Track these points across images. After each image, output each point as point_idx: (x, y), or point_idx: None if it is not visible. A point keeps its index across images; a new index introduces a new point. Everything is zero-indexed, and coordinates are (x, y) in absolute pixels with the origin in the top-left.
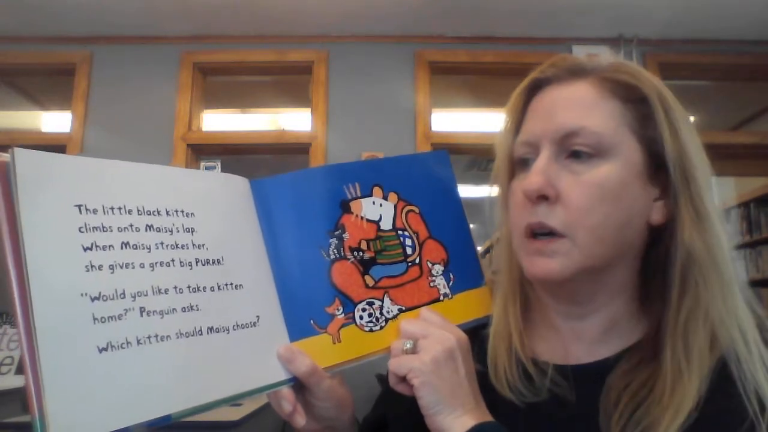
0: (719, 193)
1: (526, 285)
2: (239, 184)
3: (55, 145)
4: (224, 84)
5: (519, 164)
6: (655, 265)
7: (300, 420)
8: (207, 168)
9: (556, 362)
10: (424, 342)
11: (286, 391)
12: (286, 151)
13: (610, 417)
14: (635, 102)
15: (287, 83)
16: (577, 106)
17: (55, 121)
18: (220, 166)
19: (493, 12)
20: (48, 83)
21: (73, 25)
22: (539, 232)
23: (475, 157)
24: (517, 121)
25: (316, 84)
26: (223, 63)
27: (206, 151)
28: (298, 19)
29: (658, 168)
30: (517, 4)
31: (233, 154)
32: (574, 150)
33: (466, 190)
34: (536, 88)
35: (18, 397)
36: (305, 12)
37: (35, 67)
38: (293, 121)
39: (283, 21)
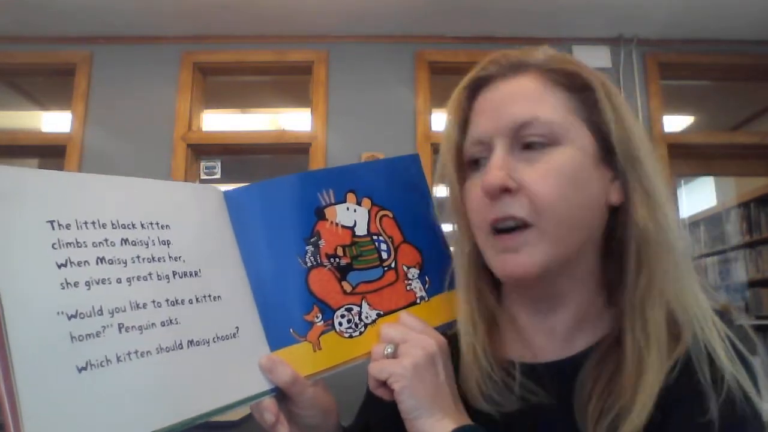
0: (719, 193)
1: (484, 287)
2: (212, 195)
3: (55, 145)
4: (224, 84)
5: (470, 165)
6: (620, 246)
7: (282, 431)
8: (207, 168)
9: (526, 361)
10: (404, 347)
11: (268, 402)
12: (286, 151)
13: (586, 411)
14: (579, 90)
15: (287, 83)
16: (525, 98)
17: (55, 121)
18: (220, 166)
19: (493, 12)
20: (48, 83)
21: (73, 25)
22: (503, 228)
23: None
24: (462, 121)
25: (316, 84)
26: (223, 63)
27: (206, 151)
28: (298, 19)
29: (609, 151)
30: (517, 4)
31: (233, 154)
32: (528, 141)
33: None
34: (479, 86)
35: None
36: (305, 12)
37: (35, 67)
38: (293, 121)
39: (283, 21)
